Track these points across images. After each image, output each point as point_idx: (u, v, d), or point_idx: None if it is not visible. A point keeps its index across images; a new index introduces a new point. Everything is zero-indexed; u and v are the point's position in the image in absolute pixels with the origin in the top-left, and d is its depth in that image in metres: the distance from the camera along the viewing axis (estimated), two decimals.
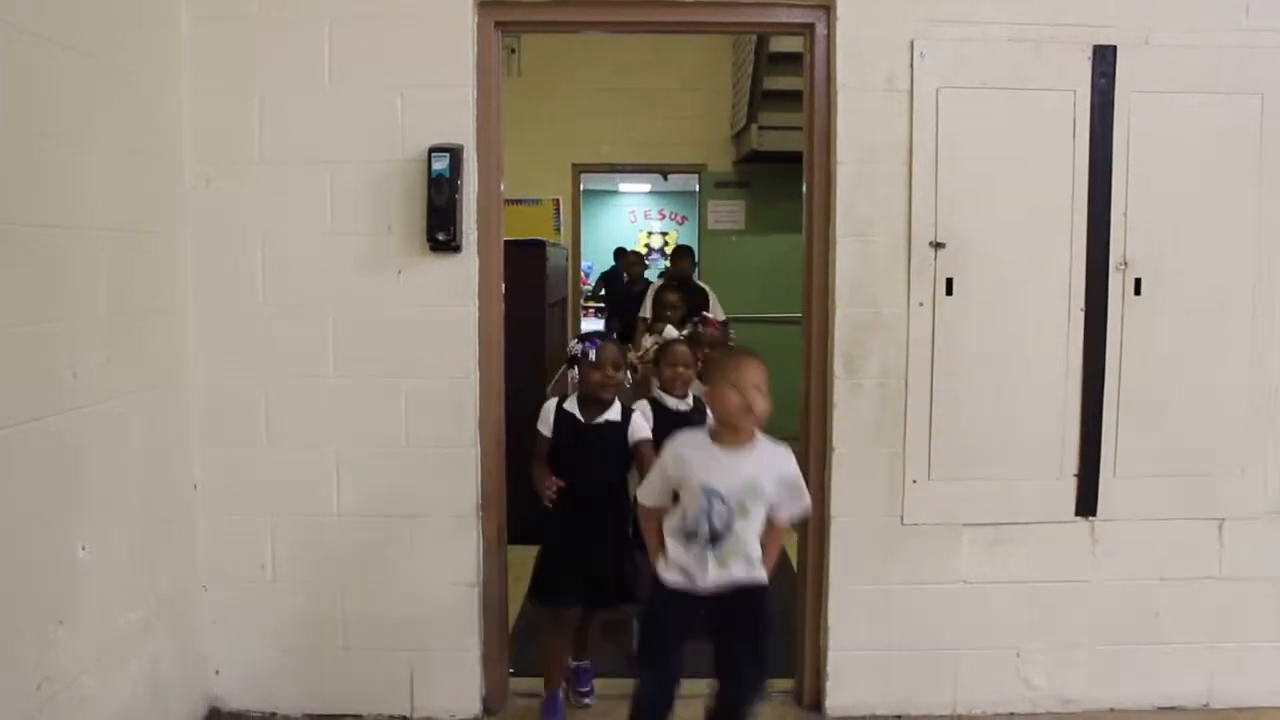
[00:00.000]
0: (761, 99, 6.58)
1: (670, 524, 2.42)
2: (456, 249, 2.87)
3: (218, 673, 2.98)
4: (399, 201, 2.87)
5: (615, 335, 4.41)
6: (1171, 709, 3.05)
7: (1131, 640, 3.04)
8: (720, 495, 2.32)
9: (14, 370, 2.06)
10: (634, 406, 3.14)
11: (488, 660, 3.02)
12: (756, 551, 2.37)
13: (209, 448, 2.92)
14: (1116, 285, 2.95)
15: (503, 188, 3.02)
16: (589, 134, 7.43)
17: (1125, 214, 2.93)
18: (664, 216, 12.44)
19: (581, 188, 7.92)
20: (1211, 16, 2.92)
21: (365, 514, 2.95)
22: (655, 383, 3.45)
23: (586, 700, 3.15)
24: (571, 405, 3.00)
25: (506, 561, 3.09)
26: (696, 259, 6.87)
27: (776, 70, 6.24)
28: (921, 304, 2.94)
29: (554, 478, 2.88)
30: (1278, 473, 3.02)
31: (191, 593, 2.90)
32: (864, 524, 2.97)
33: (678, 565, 2.38)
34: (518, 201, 6.46)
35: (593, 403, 2.98)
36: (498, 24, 2.94)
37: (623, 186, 12.00)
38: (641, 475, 2.71)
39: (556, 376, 4.80)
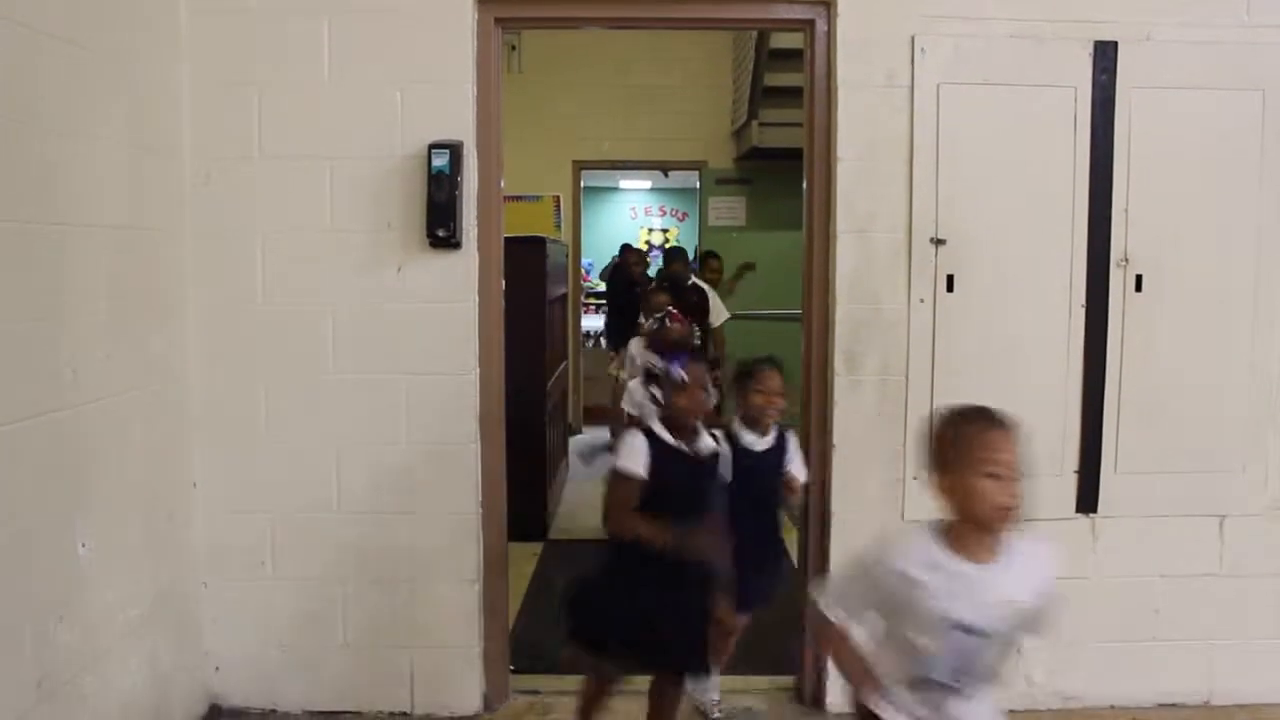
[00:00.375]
0: (762, 95, 6.57)
1: (885, 661, 1.78)
2: (457, 246, 2.87)
3: (218, 669, 2.98)
4: (399, 198, 2.87)
5: (613, 334, 4.35)
6: (1172, 706, 3.05)
7: (1132, 637, 3.04)
8: (978, 630, 1.69)
9: (13, 367, 2.06)
10: (626, 435, 2.56)
11: (488, 657, 3.02)
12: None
13: (209, 444, 2.92)
14: (1117, 282, 2.95)
15: (503, 184, 3.02)
16: (589, 131, 7.42)
17: (1126, 210, 2.93)
18: (665, 213, 12.40)
19: (582, 184, 7.91)
20: (1213, 13, 2.92)
21: (365, 510, 2.95)
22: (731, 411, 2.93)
23: None
24: (664, 435, 2.45)
25: (507, 558, 3.09)
26: (694, 259, 6.83)
27: (777, 67, 6.23)
28: (922, 300, 2.93)
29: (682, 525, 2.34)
30: (1279, 469, 3.02)
31: (192, 589, 2.90)
32: (864, 520, 2.96)
33: (910, 715, 1.75)
34: (518, 198, 6.45)
35: (685, 431, 2.48)
36: (498, 20, 2.94)
37: (623, 183, 11.97)
38: (615, 510, 2.38)
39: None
